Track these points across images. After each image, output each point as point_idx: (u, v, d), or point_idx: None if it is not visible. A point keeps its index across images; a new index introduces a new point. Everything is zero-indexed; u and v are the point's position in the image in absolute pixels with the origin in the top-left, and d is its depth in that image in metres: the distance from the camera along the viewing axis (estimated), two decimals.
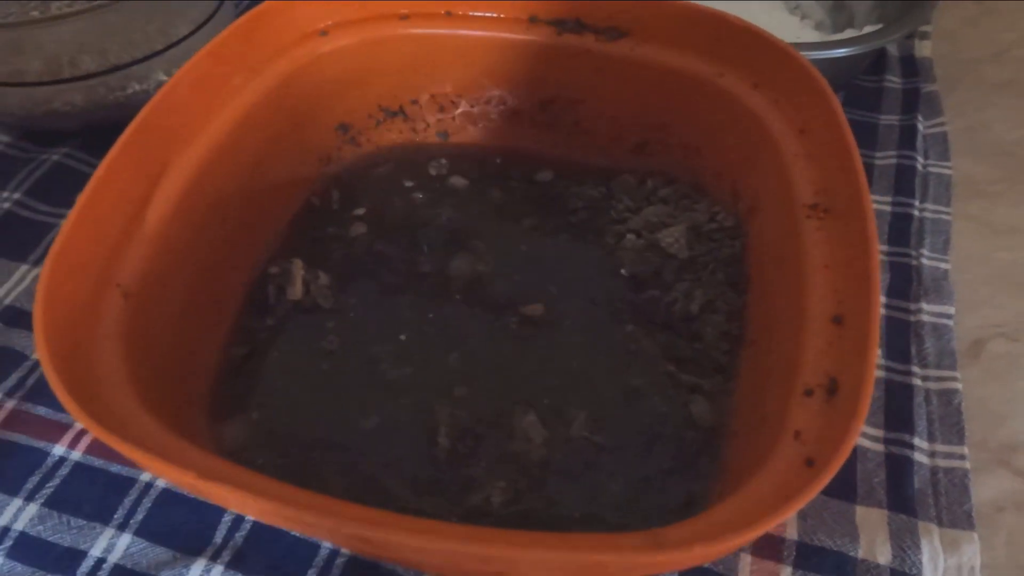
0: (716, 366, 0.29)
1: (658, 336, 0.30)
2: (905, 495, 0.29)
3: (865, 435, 0.31)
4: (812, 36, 0.46)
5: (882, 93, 0.45)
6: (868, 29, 0.43)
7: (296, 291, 0.31)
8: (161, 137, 0.27)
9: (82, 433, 0.31)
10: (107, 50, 0.39)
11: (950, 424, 0.31)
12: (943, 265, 0.37)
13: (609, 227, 0.34)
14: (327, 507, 0.17)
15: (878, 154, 0.42)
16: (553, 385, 0.29)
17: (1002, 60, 0.48)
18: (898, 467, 0.30)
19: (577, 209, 0.35)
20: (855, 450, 0.30)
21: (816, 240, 0.25)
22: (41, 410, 0.32)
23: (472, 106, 0.36)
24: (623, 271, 0.32)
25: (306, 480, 0.21)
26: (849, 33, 0.44)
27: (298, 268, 0.31)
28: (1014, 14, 0.51)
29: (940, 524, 0.28)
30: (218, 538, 0.28)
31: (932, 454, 0.30)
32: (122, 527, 0.28)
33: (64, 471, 0.30)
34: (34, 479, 0.30)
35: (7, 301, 0.35)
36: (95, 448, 0.30)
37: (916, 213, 0.39)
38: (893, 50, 0.48)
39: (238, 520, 0.29)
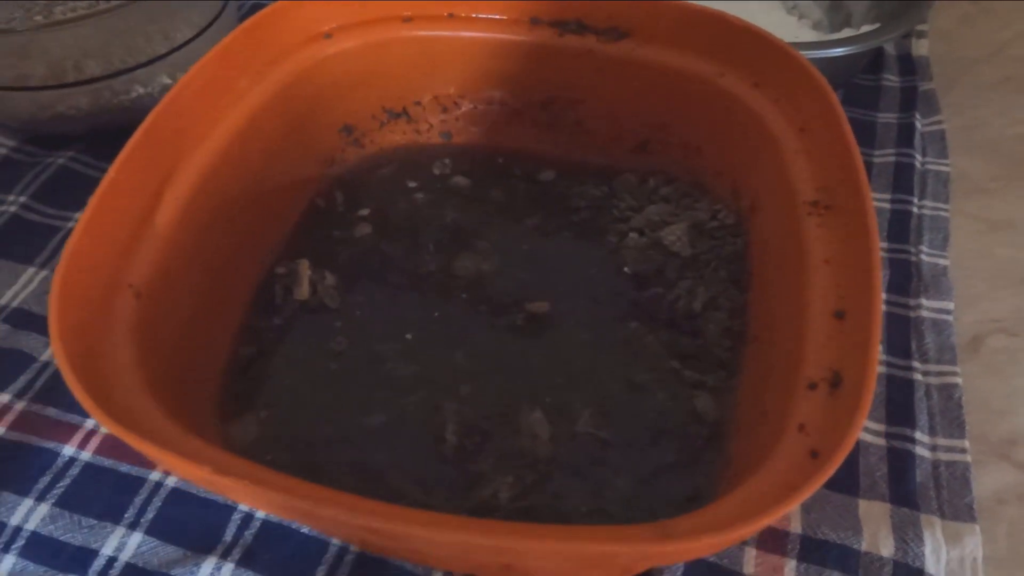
0: (719, 362, 0.29)
1: (661, 333, 0.30)
2: (907, 488, 0.29)
3: (867, 430, 0.31)
4: (810, 35, 0.47)
5: (880, 92, 0.46)
6: (865, 28, 0.43)
7: (303, 291, 0.31)
8: (170, 139, 0.27)
9: (92, 433, 0.31)
10: (111, 54, 0.40)
11: (951, 418, 0.31)
12: (942, 261, 0.37)
13: (611, 226, 0.34)
14: (341, 501, 0.18)
15: (877, 152, 0.42)
16: (558, 382, 0.29)
17: (998, 58, 0.48)
18: (900, 461, 0.30)
19: (579, 208, 0.35)
20: (857, 444, 0.31)
21: (817, 236, 0.26)
22: (51, 411, 0.32)
23: (474, 107, 0.37)
24: (626, 269, 0.33)
25: (315, 477, 0.21)
26: (847, 32, 0.45)
27: (304, 268, 0.31)
28: (1009, 13, 0.51)
29: (942, 517, 0.29)
30: (228, 536, 0.28)
31: (933, 448, 0.31)
32: (133, 526, 0.29)
33: (74, 471, 0.30)
34: (45, 479, 0.30)
35: (14, 304, 0.36)
36: (105, 448, 0.31)
37: (915, 210, 0.39)
38: (890, 49, 0.48)
39: (247, 518, 0.29)
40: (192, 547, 0.28)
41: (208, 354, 0.28)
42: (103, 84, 0.40)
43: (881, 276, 0.23)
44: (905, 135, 0.43)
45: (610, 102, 0.35)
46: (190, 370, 0.27)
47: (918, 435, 0.31)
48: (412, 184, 0.37)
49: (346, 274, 0.33)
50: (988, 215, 0.39)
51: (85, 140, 0.43)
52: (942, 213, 0.39)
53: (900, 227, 0.38)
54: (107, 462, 0.30)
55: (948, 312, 0.35)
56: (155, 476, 0.30)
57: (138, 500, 0.29)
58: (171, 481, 0.30)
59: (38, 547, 0.28)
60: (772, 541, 0.28)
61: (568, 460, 0.27)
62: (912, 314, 0.35)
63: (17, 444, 0.31)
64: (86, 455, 0.31)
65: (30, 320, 0.35)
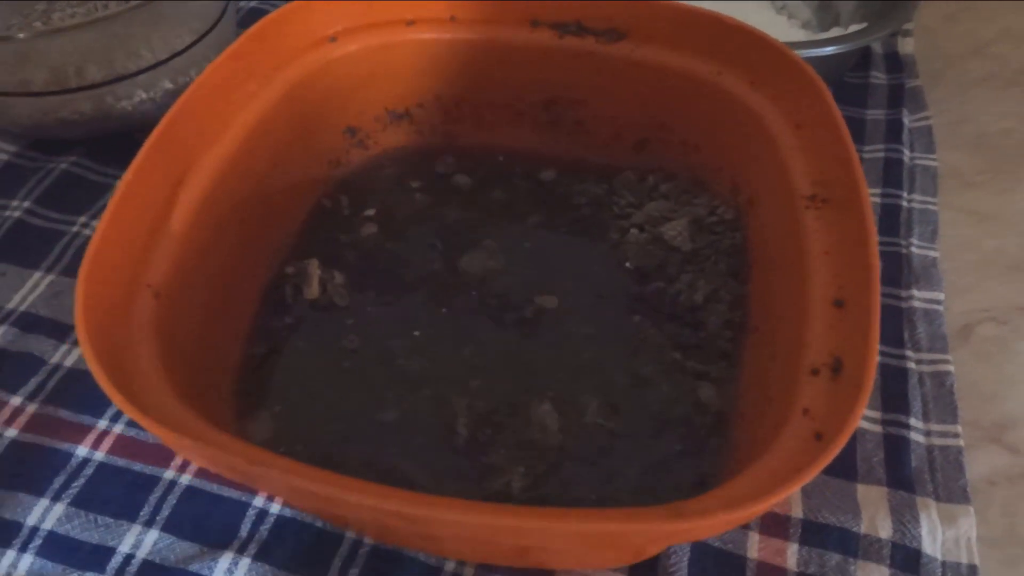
0: (721, 353, 0.30)
1: (664, 326, 0.31)
2: (903, 473, 0.30)
3: (864, 417, 0.32)
4: (800, 35, 0.48)
5: (868, 89, 0.47)
6: (854, 28, 0.44)
7: (313, 290, 0.32)
8: (183, 142, 0.28)
9: (105, 434, 0.32)
10: (113, 60, 0.40)
11: (944, 404, 0.32)
12: (932, 253, 0.38)
13: (613, 223, 0.35)
14: (369, 488, 0.18)
15: (866, 148, 0.43)
16: (565, 375, 0.30)
17: (982, 55, 0.49)
18: (896, 446, 0.31)
19: (581, 206, 0.36)
20: (855, 431, 0.32)
21: (815, 229, 0.27)
22: (63, 413, 0.32)
23: (476, 108, 0.37)
24: (628, 264, 0.34)
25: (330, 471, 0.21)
26: (835, 32, 0.46)
27: (314, 268, 0.32)
28: (991, 10, 0.53)
29: (937, 499, 0.30)
30: (244, 531, 0.29)
31: (927, 433, 0.32)
32: (149, 523, 0.29)
33: (88, 471, 0.31)
34: (59, 479, 0.30)
35: (22, 308, 0.36)
36: (118, 448, 0.31)
37: (905, 204, 0.40)
38: (877, 47, 0.49)
39: (262, 513, 0.29)
40: (208, 543, 0.29)
41: (222, 353, 0.29)
42: (105, 89, 0.40)
43: (879, 265, 0.24)
44: (893, 131, 0.44)
45: (610, 102, 0.36)
46: (206, 368, 0.27)
47: (913, 421, 0.32)
48: (415, 184, 0.38)
49: (354, 273, 0.33)
50: (975, 208, 0.41)
51: (87, 145, 0.43)
52: (931, 207, 0.40)
53: (890, 221, 0.39)
54: (121, 461, 0.31)
55: (939, 302, 0.36)
56: (169, 474, 0.30)
57: (153, 498, 0.30)
58: (185, 479, 0.30)
59: (55, 546, 0.29)
60: (774, 525, 0.29)
61: (577, 450, 0.28)
62: (904, 305, 0.36)
63: (31, 446, 0.31)
64: (100, 455, 0.31)
65: (38, 323, 0.35)
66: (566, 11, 0.34)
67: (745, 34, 0.32)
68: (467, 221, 0.36)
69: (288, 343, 0.31)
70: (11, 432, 0.32)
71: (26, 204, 0.40)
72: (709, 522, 0.18)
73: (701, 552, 0.28)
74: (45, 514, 0.29)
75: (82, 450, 0.31)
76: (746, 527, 0.29)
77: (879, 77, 0.47)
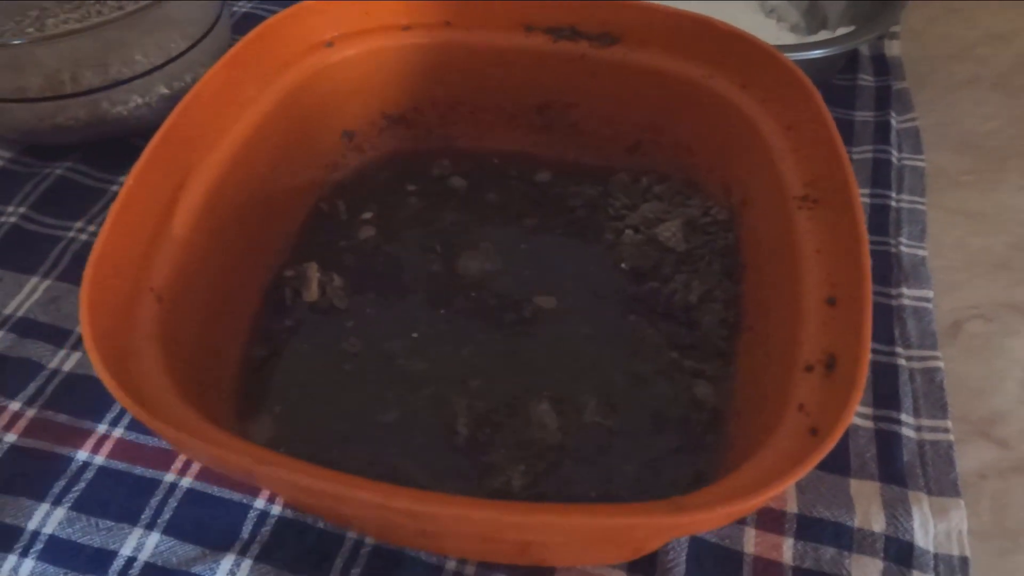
0: (716, 351, 0.31)
1: (660, 325, 0.32)
2: (895, 467, 0.31)
3: (856, 413, 0.33)
4: (789, 38, 0.48)
5: (856, 91, 0.47)
6: (842, 31, 0.45)
7: (312, 293, 0.32)
8: (183, 147, 0.28)
9: (105, 438, 0.32)
10: (108, 65, 0.40)
11: (934, 400, 0.33)
12: (921, 252, 0.39)
13: (608, 224, 0.36)
14: (376, 486, 0.19)
15: (855, 149, 0.44)
16: (563, 375, 0.30)
17: (967, 57, 0.50)
18: (888, 442, 0.32)
19: (576, 208, 0.37)
20: (848, 428, 0.32)
21: (807, 228, 0.27)
22: (62, 417, 0.32)
23: (472, 111, 0.38)
24: (623, 265, 0.34)
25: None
26: (824, 35, 0.47)
27: (313, 271, 0.32)
28: (975, 13, 0.54)
29: (929, 493, 0.30)
30: (245, 533, 0.29)
31: (918, 428, 0.32)
32: (150, 526, 0.29)
33: (89, 475, 0.31)
34: (60, 484, 0.30)
35: (20, 313, 0.36)
36: (118, 452, 0.31)
37: (893, 204, 0.41)
38: (865, 50, 0.50)
39: (263, 515, 0.30)
40: (210, 545, 0.29)
41: (222, 355, 0.29)
42: (101, 95, 0.41)
43: (870, 263, 0.24)
44: (881, 132, 0.44)
45: (604, 105, 0.36)
46: (207, 370, 0.27)
47: (904, 417, 0.32)
48: (412, 187, 0.38)
49: (353, 276, 0.34)
50: (962, 207, 0.41)
51: (83, 150, 0.43)
52: (919, 206, 0.41)
53: (880, 220, 0.40)
54: (121, 465, 0.31)
55: (928, 300, 0.37)
56: (170, 477, 0.31)
57: (154, 501, 0.30)
58: (186, 482, 0.30)
59: (57, 550, 0.29)
60: (770, 521, 0.30)
61: (576, 448, 0.28)
62: (894, 303, 0.37)
63: (30, 450, 0.31)
64: (100, 459, 0.31)
65: (36, 328, 0.35)
66: (560, 16, 0.35)
67: (736, 38, 0.32)
68: (464, 223, 0.36)
69: (288, 345, 0.31)
70: (10, 437, 0.32)
71: (21, 210, 0.40)
72: (709, 515, 0.18)
73: (699, 548, 0.29)
74: (46, 518, 0.29)
75: (82, 454, 0.31)
76: (742, 523, 0.30)
77: (867, 79, 0.48)
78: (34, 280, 0.37)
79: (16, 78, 0.39)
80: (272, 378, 0.30)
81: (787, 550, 0.29)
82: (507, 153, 0.38)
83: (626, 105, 0.35)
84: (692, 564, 0.28)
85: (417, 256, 0.35)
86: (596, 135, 0.37)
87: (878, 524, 0.29)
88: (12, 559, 0.28)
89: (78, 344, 0.35)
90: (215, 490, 0.30)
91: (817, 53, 0.42)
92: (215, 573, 0.28)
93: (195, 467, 0.31)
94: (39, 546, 0.29)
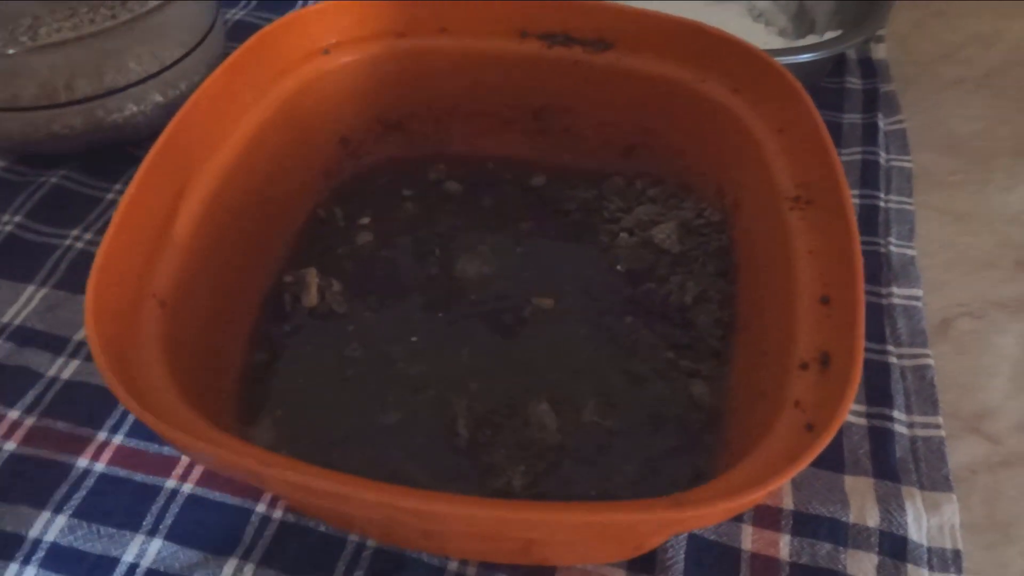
0: (712, 351, 0.31)
1: (656, 326, 0.32)
2: (888, 463, 0.31)
3: (850, 411, 0.33)
4: (777, 42, 0.49)
5: (844, 94, 0.48)
6: (829, 35, 0.45)
7: (311, 298, 0.32)
8: (183, 154, 0.28)
9: (105, 445, 0.32)
10: (103, 74, 0.40)
11: (925, 397, 0.34)
12: (910, 251, 0.39)
13: (603, 227, 0.36)
14: (382, 487, 0.19)
15: (844, 151, 0.45)
16: (562, 375, 0.31)
17: (951, 60, 0.51)
18: (881, 438, 0.32)
19: (571, 211, 0.37)
20: (842, 425, 0.33)
21: (800, 229, 0.28)
22: (61, 425, 0.32)
23: (467, 116, 0.38)
24: (619, 267, 0.34)
25: None
26: (812, 39, 0.47)
27: (312, 276, 0.33)
28: (959, 17, 0.54)
29: (921, 488, 0.31)
30: (247, 538, 0.29)
31: (910, 425, 0.33)
32: (152, 532, 0.29)
33: (90, 482, 0.31)
34: (61, 491, 0.30)
35: (17, 322, 0.36)
36: (119, 459, 0.31)
37: (882, 204, 0.42)
38: (852, 54, 0.51)
39: (265, 520, 0.30)
40: (212, 550, 0.29)
41: (223, 360, 0.29)
42: (96, 103, 0.41)
43: (862, 262, 0.25)
44: (869, 134, 0.45)
45: (597, 109, 0.36)
46: (208, 375, 0.27)
47: (896, 414, 0.33)
48: (408, 192, 0.38)
49: (352, 281, 0.34)
50: (950, 207, 0.42)
51: (77, 158, 0.43)
52: (907, 206, 0.42)
53: (869, 220, 0.41)
54: (122, 472, 0.31)
55: (917, 299, 0.37)
56: (171, 484, 0.31)
57: (155, 508, 0.30)
58: (187, 488, 0.31)
59: (59, 557, 0.29)
60: (767, 518, 0.30)
61: (576, 448, 0.29)
62: (884, 301, 0.37)
63: (30, 459, 0.31)
64: (100, 466, 0.31)
65: (34, 337, 0.35)
66: (554, 22, 0.35)
67: (728, 43, 0.33)
68: (460, 227, 0.36)
69: (288, 350, 0.32)
70: (10, 445, 0.32)
71: (17, 219, 0.40)
72: (711, 510, 0.19)
73: (697, 545, 0.29)
74: (47, 526, 0.29)
75: (83, 461, 0.31)
76: (739, 520, 0.30)
77: (854, 82, 0.49)
78: (31, 288, 0.37)
79: (10, 87, 0.39)
80: (273, 383, 0.31)
81: (784, 546, 0.29)
82: (502, 158, 0.39)
83: (620, 109, 0.36)
84: (691, 562, 0.29)
85: (415, 260, 0.35)
86: (590, 139, 0.38)
87: (872, 519, 0.30)
88: (14, 567, 0.28)
89: (76, 352, 0.35)
90: (216, 496, 0.30)
91: (805, 57, 0.42)
92: None
93: (196, 473, 0.31)
94: (40, 554, 0.29)
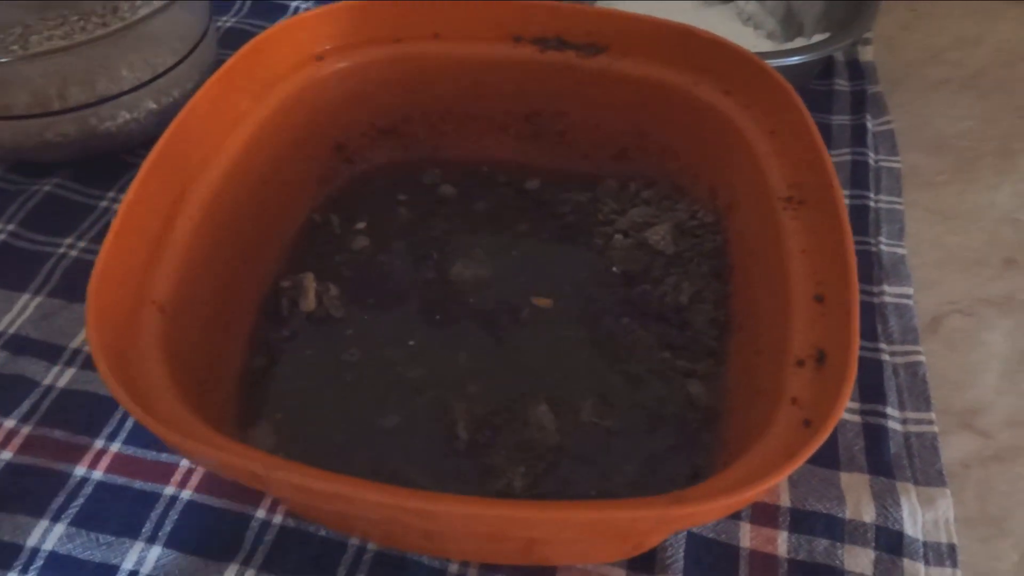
0: (707, 350, 0.31)
1: (652, 327, 0.32)
2: (883, 459, 0.32)
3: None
4: (766, 45, 0.50)
5: (832, 96, 0.49)
6: (817, 38, 0.46)
7: (309, 303, 0.32)
8: (180, 161, 0.28)
9: (102, 453, 0.32)
10: (95, 82, 0.40)
11: (917, 393, 0.34)
12: (900, 250, 0.40)
13: (597, 229, 0.36)
14: (387, 488, 0.19)
15: (833, 152, 0.45)
16: (560, 376, 0.31)
17: (937, 61, 0.52)
18: (875, 435, 0.32)
19: (565, 214, 0.37)
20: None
21: (793, 229, 0.28)
22: (58, 433, 0.32)
23: (461, 121, 0.38)
24: (614, 269, 0.35)
25: None
26: (800, 42, 0.48)
27: (310, 281, 0.33)
28: (944, 19, 0.55)
29: (916, 483, 0.31)
30: (247, 543, 0.29)
31: (904, 421, 0.33)
32: (151, 540, 0.29)
33: (88, 490, 0.31)
34: (58, 500, 0.30)
35: (12, 331, 0.36)
36: (117, 466, 0.31)
37: (872, 204, 0.42)
38: (839, 56, 0.51)
39: (265, 525, 0.30)
40: (213, 556, 0.29)
41: (223, 364, 0.29)
42: (89, 111, 0.41)
43: (855, 260, 0.25)
44: (858, 135, 0.46)
45: (591, 113, 0.37)
46: (208, 380, 0.27)
47: (889, 410, 0.33)
48: (403, 197, 0.38)
49: (349, 285, 0.34)
50: (939, 206, 0.43)
51: (71, 166, 0.43)
52: (896, 206, 0.42)
53: (859, 220, 0.41)
54: (120, 480, 0.31)
55: (908, 297, 0.38)
56: (170, 490, 0.31)
57: (154, 515, 0.30)
58: (186, 494, 0.30)
59: (57, 566, 0.29)
60: (764, 515, 0.30)
61: (575, 449, 0.29)
62: (876, 300, 0.38)
63: (27, 467, 0.31)
64: (98, 474, 0.31)
65: (29, 345, 0.35)
66: (547, 27, 0.35)
67: (719, 46, 0.33)
68: (456, 231, 0.37)
69: (287, 354, 0.32)
70: (6, 455, 0.31)
71: (10, 227, 0.40)
72: (712, 505, 0.19)
73: (696, 544, 0.29)
74: (45, 535, 0.29)
75: (80, 469, 0.31)
76: (737, 517, 0.30)
77: (842, 84, 0.49)
78: (25, 297, 0.37)
79: (2, 95, 0.39)
80: (271, 387, 0.31)
81: (782, 543, 0.30)
82: (497, 161, 0.39)
83: (613, 113, 0.36)
84: (690, 560, 0.29)
85: (411, 264, 0.35)
86: (584, 142, 0.38)
87: (868, 515, 0.30)
88: None
89: (72, 360, 0.35)
90: (216, 501, 0.30)
91: (794, 60, 0.43)
92: None
93: (195, 479, 0.31)
94: (39, 563, 0.29)
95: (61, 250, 0.39)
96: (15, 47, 0.45)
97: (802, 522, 0.30)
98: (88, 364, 0.34)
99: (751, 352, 0.28)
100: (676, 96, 0.35)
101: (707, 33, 0.33)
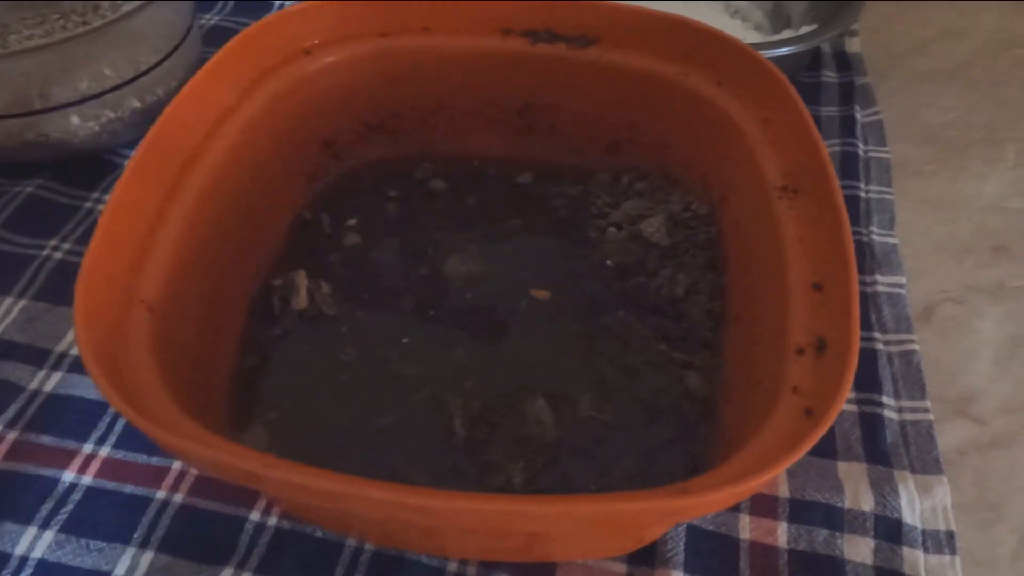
0: (704, 342, 0.31)
1: (648, 319, 0.32)
2: (880, 448, 0.32)
3: None
4: (754, 37, 0.50)
5: (821, 87, 0.49)
6: (805, 29, 0.46)
7: (301, 301, 0.32)
8: (167, 158, 0.28)
9: (91, 457, 0.31)
10: (77, 80, 0.40)
11: (912, 382, 0.34)
12: (891, 240, 0.40)
13: (591, 222, 0.36)
14: (388, 485, 0.19)
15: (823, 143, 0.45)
16: (556, 371, 0.31)
17: (923, 52, 0.52)
18: (871, 424, 0.32)
19: (558, 208, 0.37)
20: None
21: (789, 218, 0.28)
22: (45, 439, 0.32)
23: (451, 115, 0.38)
24: (609, 262, 0.35)
25: None
26: (788, 34, 0.48)
27: (301, 279, 0.32)
28: (929, 11, 0.56)
29: (913, 471, 0.31)
30: (242, 546, 0.29)
31: (900, 410, 0.33)
32: (144, 545, 0.29)
33: (77, 496, 0.30)
34: (47, 506, 0.30)
35: None
36: (106, 471, 0.31)
37: (863, 194, 0.42)
38: (826, 48, 0.51)
39: (260, 527, 0.29)
40: (208, 560, 0.28)
41: (214, 364, 0.29)
42: (71, 110, 0.40)
43: (853, 246, 0.25)
44: (847, 126, 0.46)
45: (582, 105, 0.37)
46: (199, 381, 0.27)
47: (885, 399, 0.33)
48: (393, 193, 0.38)
49: (341, 282, 0.34)
50: (928, 196, 0.43)
51: (52, 167, 0.42)
52: (887, 196, 0.42)
53: (851, 211, 0.41)
54: (110, 484, 0.30)
55: (901, 286, 0.38)
56: (161, 494, 0.30)
57: (146, 520, 0.29)
58: (178, 498, 0.30)
59: (47, 574, 0.28)
60: (764, 506, 0.30)
61: (574, 443, 0.29)
62: (869, 289, 0.38)
63: (14, 474, 0.31)
64: (87, 479, 0.30)
65: (13, 350, 0.34)
66: (537, 19, 0.35)
67: (711, 36, 0.33)
68: (448, 226, 0.36)
69: (279, 353, 0.31)
70: None
71: None
72: (718, 495, 0.19)
73: (696, 537, 0.29)
74: (34, 542, 0.29)
75: (69, 475, 0.30)
76: (737, 509, 0.30)
77: (831, 76, 0.50)
78: (8, 300, 0.36)
79: None
80: (264, 387, 0.30)
81: (781, 534, 0.29)
82: (488, 156, 0.39)
83: (605, 105, 0.36)
84: (691, 553, 0.29)
85: (403, 261, 0.35)
86: (576, 135, 0.38)
87: (867, 504, 0.30)
88: None
89: (58, 364, 0.34)
90: (209, 504, 0.30)
91: (782, 51, 0.43)
92: None
93: (187, 483, 0.30)
94: (28, 571, 0.28)
95: (45, 252, 0.38)
96: None
97: (801, 512, 0.30)
98: (75, 368, 0.34)
99: (749, 342, 0.28)
100: (668, 87, 0.34)
101: (699, 24, 0.33)
